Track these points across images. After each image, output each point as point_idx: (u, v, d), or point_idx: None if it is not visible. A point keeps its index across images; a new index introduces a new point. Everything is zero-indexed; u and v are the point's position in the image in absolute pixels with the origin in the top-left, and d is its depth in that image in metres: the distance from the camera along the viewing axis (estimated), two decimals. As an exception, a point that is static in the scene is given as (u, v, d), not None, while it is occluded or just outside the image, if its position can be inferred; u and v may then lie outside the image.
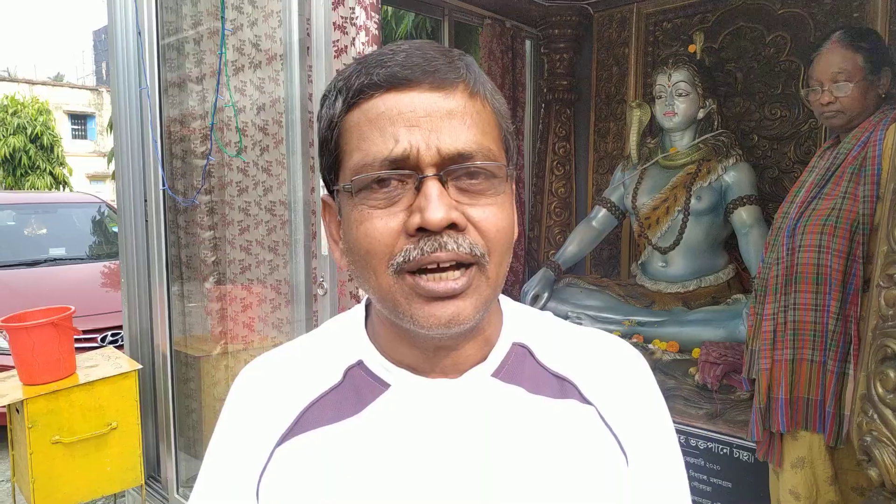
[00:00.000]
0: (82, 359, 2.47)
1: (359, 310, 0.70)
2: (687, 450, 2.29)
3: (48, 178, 14.58)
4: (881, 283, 1.25)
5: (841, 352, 1.67)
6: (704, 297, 2.80)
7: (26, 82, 24.12)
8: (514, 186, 0.63)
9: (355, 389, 0.63)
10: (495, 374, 0.64)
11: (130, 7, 2.47)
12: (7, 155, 14.13)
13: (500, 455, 0.60)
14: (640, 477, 0.64)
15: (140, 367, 2.43)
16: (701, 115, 2.77)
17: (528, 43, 3.79)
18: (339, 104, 0.58)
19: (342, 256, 0.62)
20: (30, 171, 14.39)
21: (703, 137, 2.78)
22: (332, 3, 1.80)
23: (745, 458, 2.14)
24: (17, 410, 2.27)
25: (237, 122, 2.05)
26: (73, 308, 2.35)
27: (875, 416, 1.26)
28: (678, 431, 2.28)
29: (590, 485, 0.61)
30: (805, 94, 1.81)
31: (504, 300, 0.70)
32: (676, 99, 2.72)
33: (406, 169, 0.55)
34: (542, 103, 3.81)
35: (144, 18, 2.39)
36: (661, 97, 2.79)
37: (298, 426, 0.62)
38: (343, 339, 0.68)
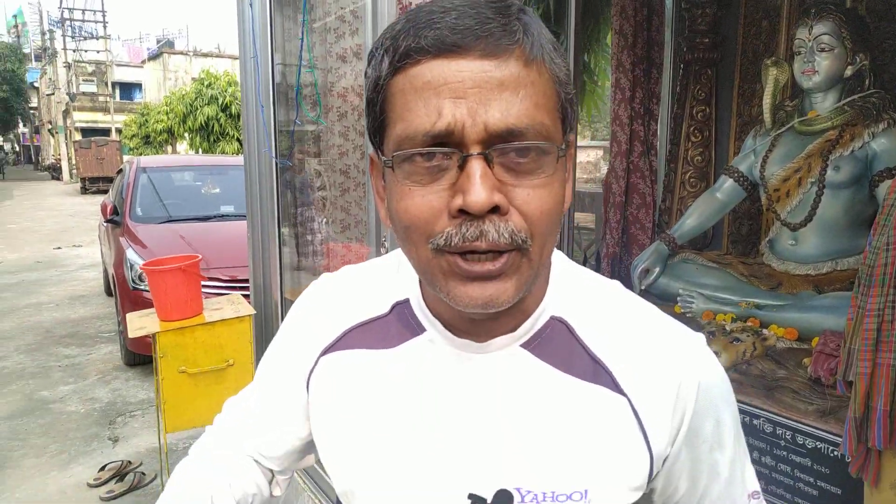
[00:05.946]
0: (210, 302, 2.80)
1: None
2: (793, 447, 2.08)
3: (235, 144, 16.37)
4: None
5: None
6: (840, 282, 2.47)
7: (230, 57, 26.88)
8: (573, 150, 0.59)
9: (397, 325, 0.67)
10: (525, 346, 0.62)
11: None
12: (202, 123, 16.06)
13: (513, 426, 0.60)
14: (665, 486, 0.63)
15: (254, 312, 2.70)
16: (849, 72, 2.41)
17: (665, -2, 3.51)
18: (385, 65, 0.53)
19: (386, 216, 0.60)
20: (221, 138, 16.24)
21: (848, 98, 2.42)
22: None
23: (860, 464, 1.89)
24: (156, 343, 2.64)
25: (317, 89, 2.17)
26: (199, 257, 2.66)
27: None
28: (783, 426, 2.05)
29: (601, 472, 0.60)
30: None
31: (555, 263, 0.66)
32: (817, 54, 2.40)
33: (449, 146, 0.50)
34: (680, 64, 3.52)
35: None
36: (800, 52, 2.47)
37: (342, 342, 0.69)
38: (400, 273, 0.70)
